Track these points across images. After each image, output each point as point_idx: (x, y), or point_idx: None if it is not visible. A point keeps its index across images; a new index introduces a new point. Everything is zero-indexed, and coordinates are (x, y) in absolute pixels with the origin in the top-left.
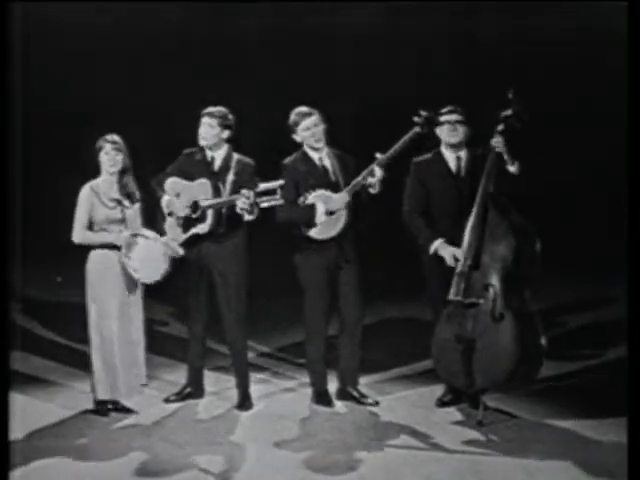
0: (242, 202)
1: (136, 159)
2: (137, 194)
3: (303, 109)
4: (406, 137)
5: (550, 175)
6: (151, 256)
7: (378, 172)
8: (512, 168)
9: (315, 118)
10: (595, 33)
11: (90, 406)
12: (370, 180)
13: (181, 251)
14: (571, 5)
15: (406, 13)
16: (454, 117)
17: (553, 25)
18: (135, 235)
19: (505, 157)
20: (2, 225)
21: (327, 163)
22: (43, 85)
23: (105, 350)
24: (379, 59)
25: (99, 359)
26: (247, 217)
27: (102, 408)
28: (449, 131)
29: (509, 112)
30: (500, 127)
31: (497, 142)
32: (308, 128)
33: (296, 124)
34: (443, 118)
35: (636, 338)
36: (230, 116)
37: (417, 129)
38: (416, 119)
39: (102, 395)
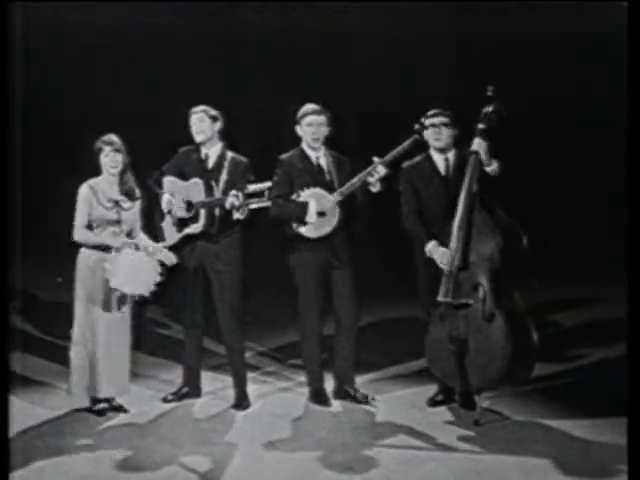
0: (230, 203)
1: (135, 158)
2: (137, 192)
3: (314, 106)
4: (405, 144)
5: (550, 175)
6: (138, 268)
7: (382, 170)
8: (489, 169)
9: (321, 118)
10: (595, 33)
11: (86, 406)
12: (370, 178)
13: (174, 259)
14: (571, 5)
15: (406, 13)
16: (438, 120)
17: (553, 25)
18: (132, 243)
19: (482, 157)
20: (2, 225)
21: (323, 162)
22: (43, 85)
23: (87, 349)
24: (379, 60)
25: (79, 358)
26: (237, 216)
27: (98, 407)
28: (433, 134)
29: (489, 109)
30: (480, 125)
31: (477, 142)
32: (311, 124)
33: (302, 117)
34: (428, 121)
35: (635, 338)
36: (213, 110)
37: (417, 136)
38: (416, 127)
39: (77, 394)
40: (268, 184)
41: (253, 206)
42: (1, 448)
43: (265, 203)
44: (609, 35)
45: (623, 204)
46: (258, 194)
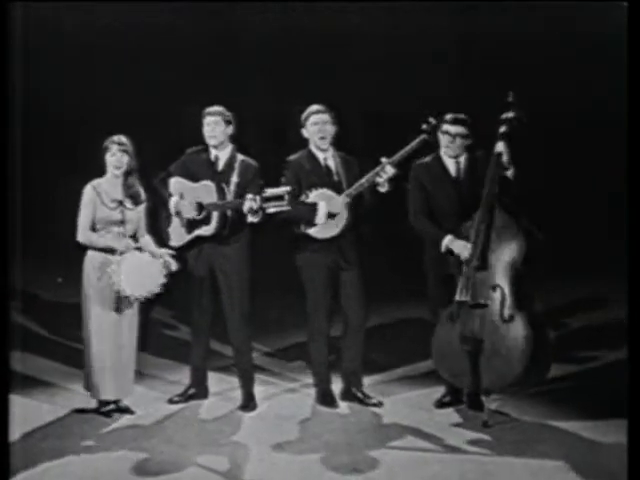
0: (248, 207)
1: (138, 159)
2: (142, 195)
3: (317, 106)
4: (413, 143)
5: (550, 175)
6: (143, 272)
7: (390, 170)
8: (508, 173)
9: (326, 116)
10: (595, 33)
11: (92, 407)
12: (379, 179)
13: (174, 267)
14: (571, 5)
15: (406, 13)
16: (455, 129)
17: (553, 25)
18: (138, 248)
19: (504, 161)
20: (2, 225)
21: (331, 163)
22: (43, 85)
23: (97, 351)
24: (379, 60)
25: (90, 359)
26: (251, 219)
27: (105, 409)
28: (447, 142)
29: (510, 114)
30: (502, 129)
31: (500, 144)
32: (316, 123)
33: (306, 118)
34: (445, 127)
35: (636, 339)
36: (228, 113)
37: (425, 136)
38: (424, 127)
39: (94, 395)
40: (286, 188)
41: (271, 210)
42: (2, 450)
43: (284, 207)
44: (609, 35)
45: (623, 204)
46: (277, 198)
